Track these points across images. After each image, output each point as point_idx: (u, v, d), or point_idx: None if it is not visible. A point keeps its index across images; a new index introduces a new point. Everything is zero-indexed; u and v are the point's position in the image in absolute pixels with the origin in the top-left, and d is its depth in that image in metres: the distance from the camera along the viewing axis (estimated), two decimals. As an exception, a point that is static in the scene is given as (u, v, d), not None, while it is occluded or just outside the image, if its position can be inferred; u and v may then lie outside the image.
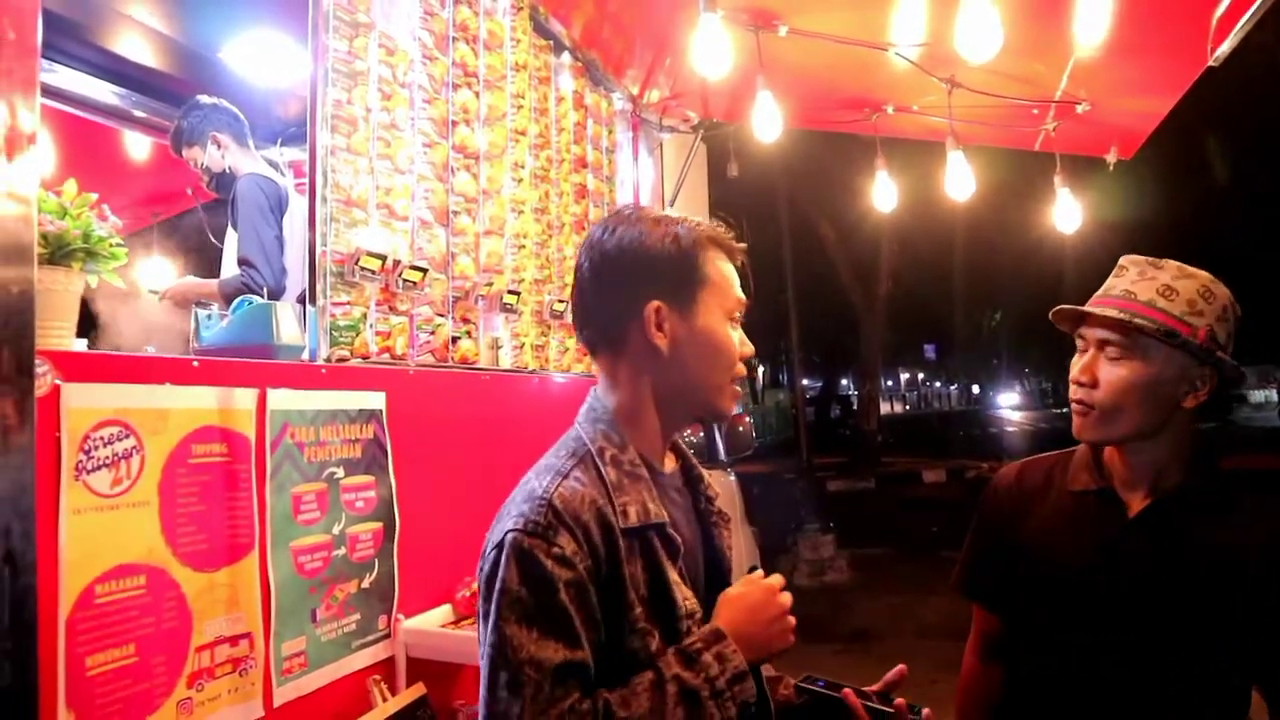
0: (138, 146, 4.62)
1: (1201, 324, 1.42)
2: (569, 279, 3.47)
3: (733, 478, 5.84)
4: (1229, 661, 1.42)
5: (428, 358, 2.53)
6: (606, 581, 1.18)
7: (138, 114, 4.18)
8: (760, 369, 32.81)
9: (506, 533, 1.17)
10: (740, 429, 6.40)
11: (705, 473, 1.45)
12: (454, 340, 2.66)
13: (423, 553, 2.35)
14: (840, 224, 15.90)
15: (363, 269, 2.20)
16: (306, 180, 2.21)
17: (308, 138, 2.18)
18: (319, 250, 2.14)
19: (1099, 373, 1.47)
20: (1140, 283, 1.47)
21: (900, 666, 1.41)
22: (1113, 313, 1.44)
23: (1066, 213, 4.16)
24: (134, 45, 3.81)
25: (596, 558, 1.17)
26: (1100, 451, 1.57)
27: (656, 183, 4.47)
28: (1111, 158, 4.10)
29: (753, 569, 1.33)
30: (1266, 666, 1.42)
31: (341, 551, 2.09)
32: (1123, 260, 1.53)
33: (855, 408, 19.76)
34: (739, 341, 1.33)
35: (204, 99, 3.37)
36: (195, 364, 1.76)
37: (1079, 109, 3.69)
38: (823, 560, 8.42)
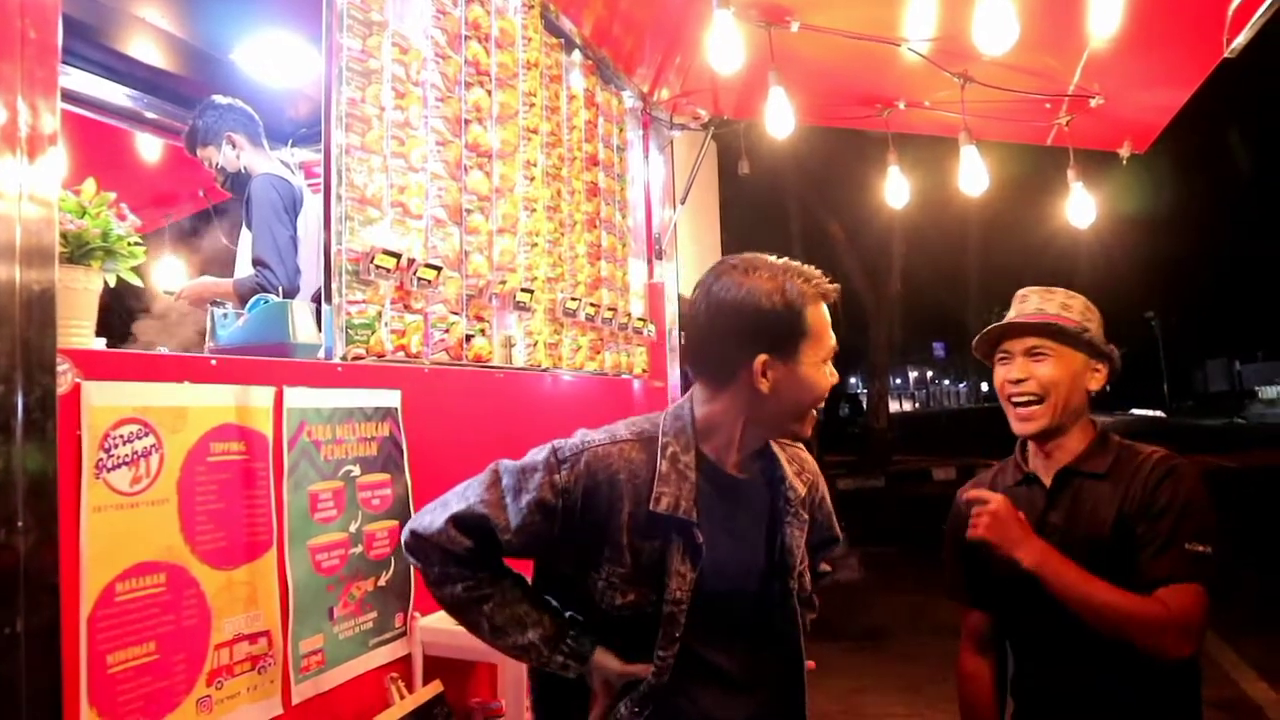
0: (150, 148, 4.64)
1: (1094, 326, 1.78)
2: (581, 276, 3.47)
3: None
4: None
5: (442, 356, 2.54)
6: (583, 530, 1.41)
7: (150, 115, 4.21)
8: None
9: (551, 442, 1.47)
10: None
11: (794, 475, 1.57)
12: (468, 338, 2.66)
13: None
14: (850, 221, 15.86)
15: (378, 267, 2.20)
16: (321, 179, 2.21)
17: (322, 136, 2.18)
18: (334, 249, 2.15)
19: (1034, 372, 1.76)
20: (1044, 303, 1.81)
21: None
22: (1039, 321, 1.77)
23: (1080, 208, 4.13)
24: (146, 47, 3.83)
25: (589, 507, 1.41)
26: (1025, 450, 1.86)
27: (667, 181, 4.47)
28: (1125, 152, 4.07)
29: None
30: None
31: (358, 549, 2.09)
32: (1022, 291, 1.88)
33: (865, 406, 19.67)
34: (829, 379, 1.50)
35: (219, 99, 3.38)
36: (213, 362, 1.76)
37: (1092, 103, 3.66)
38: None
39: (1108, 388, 1.86)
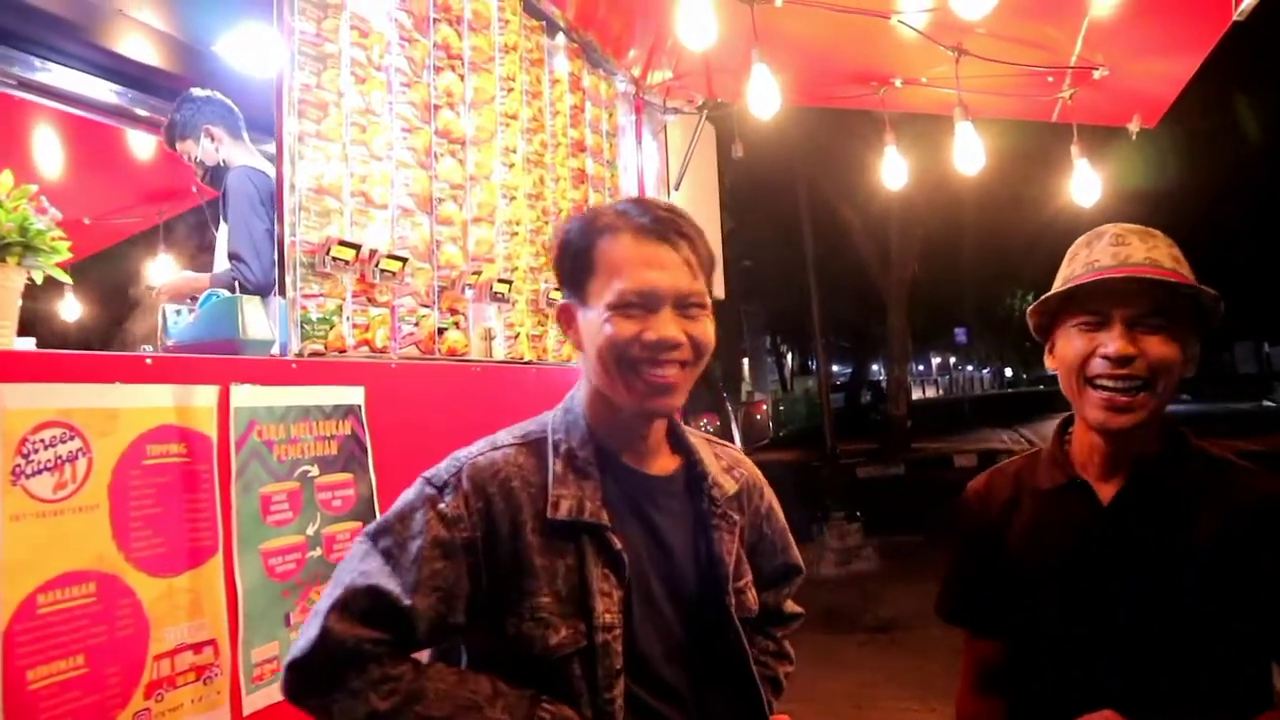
0: (141, 144, 4.60)
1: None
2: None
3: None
4: (1239, 643, 1.30)
5: (412, 350, 2.45)
6: (497, 559, 1.18)
7: (140, 112, 4.15)
8: (789, 356, 32.61)
9: (420, 477, 1.24)
10: (758, 417, 6.33)
11: (720, 472, 1.36)
12: (440, 331, 2.58)
13: (408, 552, 2.27)
14: (864, 206, 15.64)
15: (335, 259, 2.12)
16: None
17: (274, 123, 2.10)
18: (288, 240, 2.06)
19: (1145, 348, 1.32)
20: (1153, 252, 1.35)
21: None
22: (1166, 278, 1.31)
23: (1085, 184, 3.96)
24: (132, 43, 3.78)
25: (491, 530, 1.18)
26: (1066, 444, 1.49)
27: (661, 166, 4.36)
28: (1134, 127, 3.88)
29: None
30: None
31: (317, 553, 2.02)
32: (1114, 230, 1.41)
33: (885, 393, 19.47)
34: (639, 332, 1.18)
35: (196, 92, 3.31)
36: (148, 361, 1.68)
37: (1096, 74, 3.49)
38: (849, 549, 8.27)
39: None
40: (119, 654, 1.57)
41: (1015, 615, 1.46)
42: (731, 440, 5.48)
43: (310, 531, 2.00)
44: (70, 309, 5.30)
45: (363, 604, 1.11)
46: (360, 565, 1.15)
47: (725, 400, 5.51)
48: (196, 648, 1.71)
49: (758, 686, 1.30)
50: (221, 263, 3.17)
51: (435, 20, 2.63)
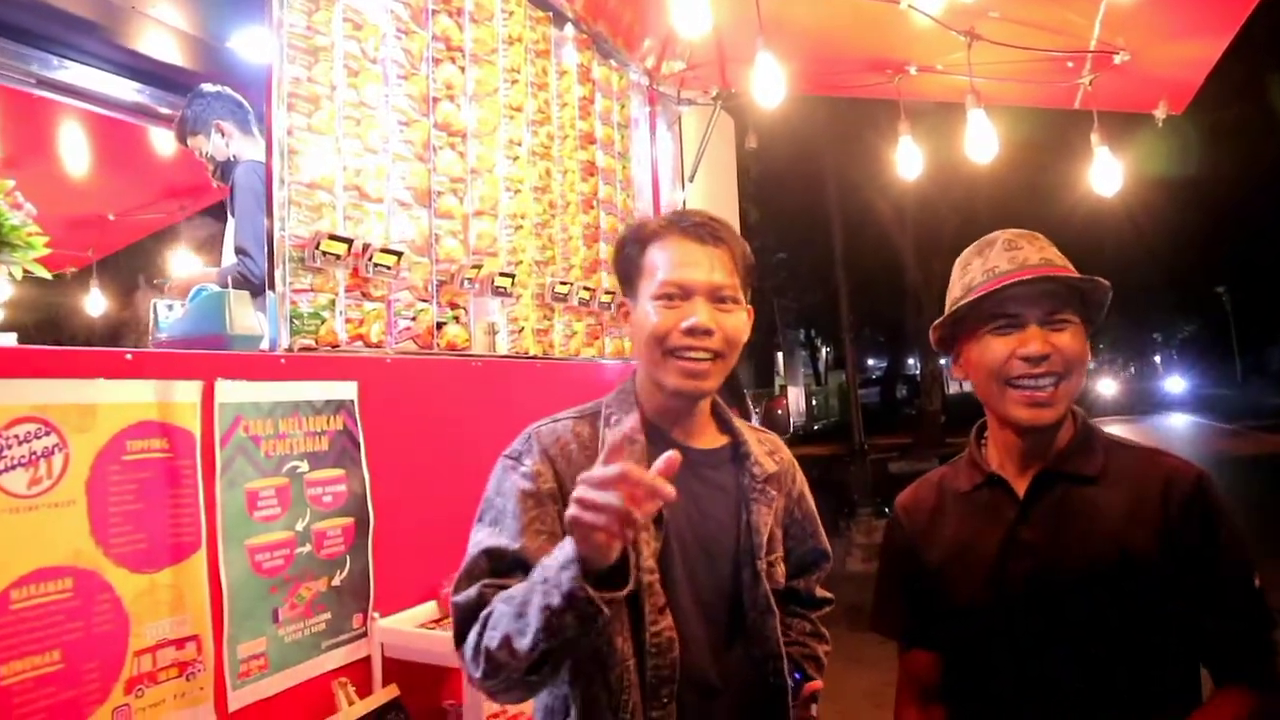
0: (162, 141, 4.65)
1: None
2: (574, 260, 3.34)
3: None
4: (1167, 628, 1.33)
5: (409, 344, 2.44)
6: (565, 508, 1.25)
7: (161, 110, 4.20)
8: (823, 349, 32.32)
9: (501, 455, 1.40)
10: (779, 412, 6.24)
11: (762, 453, 1.49)
12: (439, 326, 2.56)
13: (404, 548, 2.26)
14: (899, 198, 15.40)
15: (324, 253, 2.10)
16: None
17: (264, 117, 2.09)
18: (277, 235, 2.05)
19: (1057, 345, 1.38)
20: (1045, 252, 1.43)
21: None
22: (1070, 277, 1.39)
23: (1106, 173, 3.81)
24: (151, 40, 3.81)
25: (561, 482, 1.33)
26: (982, 446, 1.54)
27: (676, 158, 4.30)
28: (1160, 113, 3.73)
29: None
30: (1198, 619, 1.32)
31: (306, 549, 2.01)
32: (1005, 236, 1.47)
33: (920, 387, 19.21)
34: (678, 321, 1.35)
35: (207, 87, 3.33)
36: (128, 357, 1.68)
37: (1117, 59, 3.36)
38: (876, 545, 8.15)
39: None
40: (97, 650, 1.57)
41: (948, 622, 1.47)
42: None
43: (299, 527, 2.00)
44: (96, 304, 5.39)
45: (481, 565, 1.28)
46: (473, 539, 1.32)
47: (745, 396, 5.41)
48: (179, 643, 1.71)
49: (779, 652, 1.40)
50: (229, 257, 3.19)
51: (434, 12, 2.61)
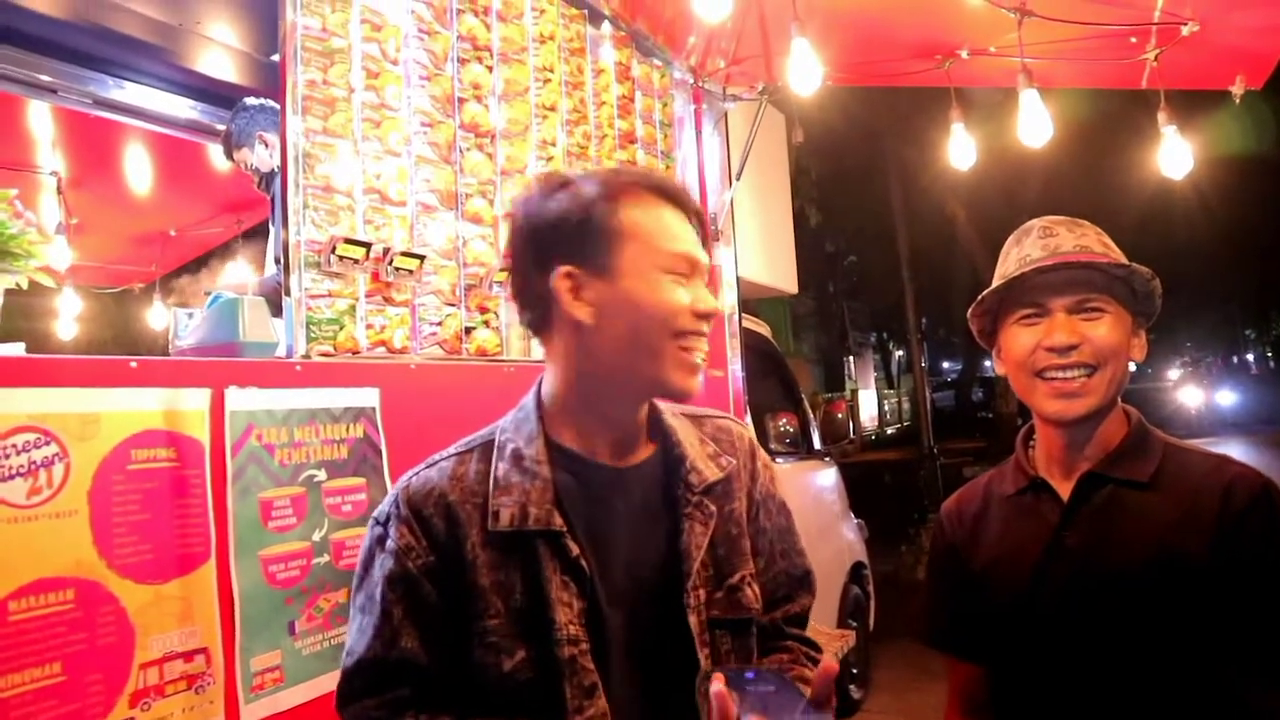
0: (218, 157, 4.75)
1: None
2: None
3: (833, 468, 5.49)
4: (1215, 640, 1.22)
5: (435, 350, 2.39)
6: (449, 584, 1.09)
7: (217, 126, 4.28)
8: (895, 352, 31.65)
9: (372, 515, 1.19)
10: (839, 416, 6.06)
11: (702, 456, 1.22)
12: (468, 331, 2.51)
13: (428, 557, 2.20)
14: (967, 193, 14.93)
15: (341, 258, 2.06)
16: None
17: (279, 121, 2.06)
18: (292, 240, 2.02)
19: (1087, 334, 1.30)
20: (1082, 239, 1.35)
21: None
22: (1100, 262, 1.31)
23: (1174, 155, 3.54)
24: (206, 59, 3.89)
25: (441, 551, 1.10)
26: (1030, 448, 1.46)
27: (723, 155, 4.19)
28: (1238, 89, 3.43)
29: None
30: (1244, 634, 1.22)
31: (324, 559, 1.97)
32: (1042, 223, 1.40)
33: (995, 390, 18.61)
34: (691, 300, 1.13)
35: (250, 101, 3.38)
36: (133, 365, 1.66)
37: (1184, 30, 3.11)
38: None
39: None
40: (101, 662, 1.54)
41: (991, 630, 1.39)
42: (810, 441, 5.25)
43: (317, 537, 1.96)
44: (159, 317, 5.55)
45: (359, 683, 1.11)
46: (350, 626, 1.15)
47: (803, 400, 5.26)
48: (187, 656, 1.68)
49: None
50: (270, 267, 3.21)
51: (459, 11, 2.57)
